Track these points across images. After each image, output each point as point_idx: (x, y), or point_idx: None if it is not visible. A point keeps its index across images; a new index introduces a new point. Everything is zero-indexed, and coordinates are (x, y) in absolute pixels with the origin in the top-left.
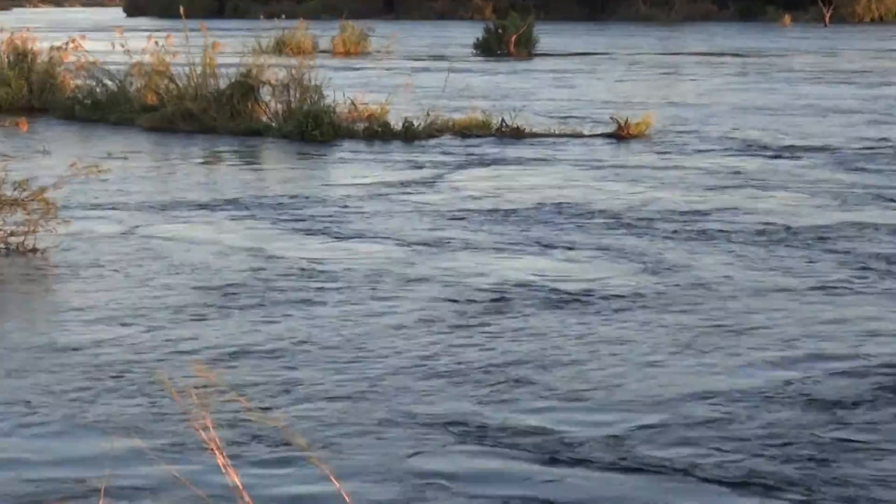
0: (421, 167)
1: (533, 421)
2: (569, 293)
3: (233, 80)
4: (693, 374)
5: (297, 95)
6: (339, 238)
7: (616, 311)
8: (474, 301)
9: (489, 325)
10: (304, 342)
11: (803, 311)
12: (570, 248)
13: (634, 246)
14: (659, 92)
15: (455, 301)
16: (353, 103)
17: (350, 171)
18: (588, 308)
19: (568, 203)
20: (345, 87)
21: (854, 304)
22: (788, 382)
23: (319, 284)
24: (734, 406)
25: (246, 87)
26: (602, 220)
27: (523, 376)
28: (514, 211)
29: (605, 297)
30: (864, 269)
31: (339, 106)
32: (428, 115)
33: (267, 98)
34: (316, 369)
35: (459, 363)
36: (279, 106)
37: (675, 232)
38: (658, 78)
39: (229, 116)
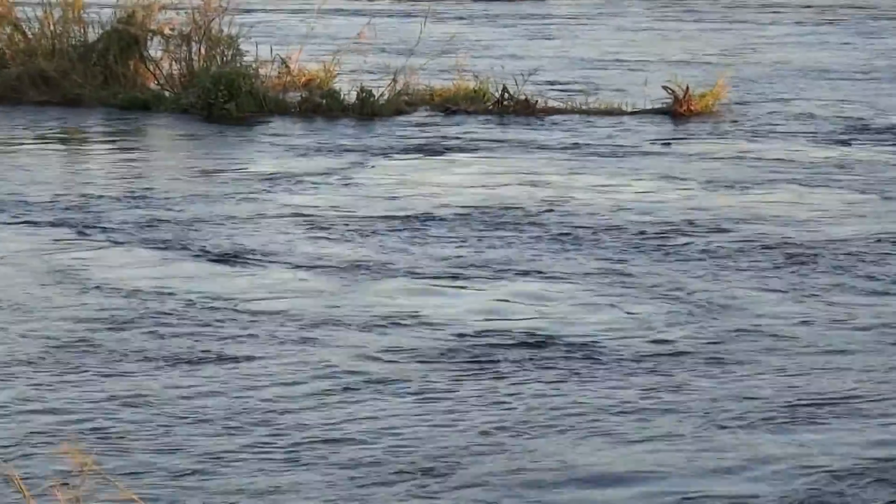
0: (382, 158)
1: None
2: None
3: (107, 28)
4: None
5: (203, 52)
6: (246, 265)
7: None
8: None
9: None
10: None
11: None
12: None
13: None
14: (709, 45)
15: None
16: (284, 63)
17: (272, 162)
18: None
19: (595, 213)
20: (272, 40)
21: None
22: None
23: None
24: None
25: (126, 40)
26: (644, 239)
27: None
28: (507, 224)
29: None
30: None
31: (263, 67)
32: (394, 80)
33: (158, 55)
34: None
35: None
36: (175, 67)
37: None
38: (706, 25)
39: (102, 82)
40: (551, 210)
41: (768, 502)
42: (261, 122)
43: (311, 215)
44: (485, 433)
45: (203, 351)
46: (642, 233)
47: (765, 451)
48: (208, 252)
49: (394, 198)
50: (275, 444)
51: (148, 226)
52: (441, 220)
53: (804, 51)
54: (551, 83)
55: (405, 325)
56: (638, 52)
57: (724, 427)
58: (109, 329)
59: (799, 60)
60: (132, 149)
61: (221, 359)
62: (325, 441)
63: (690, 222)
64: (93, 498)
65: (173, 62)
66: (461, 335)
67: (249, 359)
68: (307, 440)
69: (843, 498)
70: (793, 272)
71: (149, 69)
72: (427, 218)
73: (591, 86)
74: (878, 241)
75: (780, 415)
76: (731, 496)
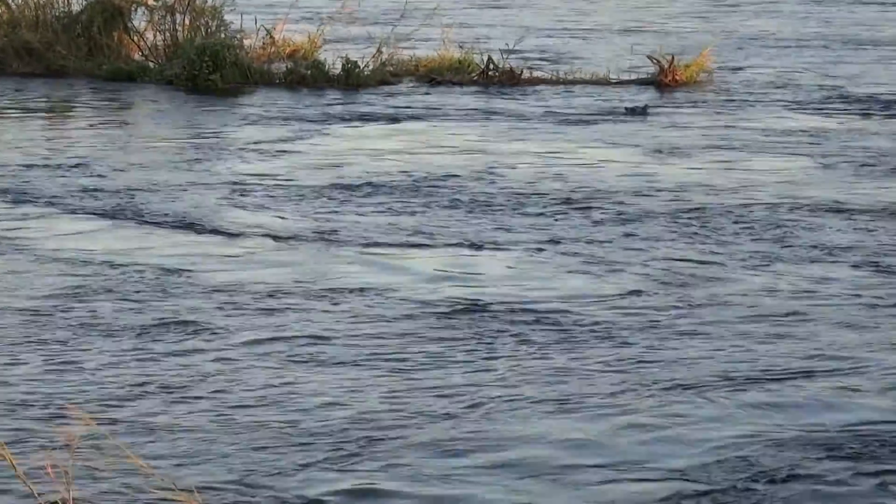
0: (366, 128)
1: None
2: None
3: None
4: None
5: (187, 22)
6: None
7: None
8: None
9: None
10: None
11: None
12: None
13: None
14: (662, 15)
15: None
16: (269, 34)
17: (257, 133)
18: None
19: (576, 186)
20: (256, 11)
21: None
22: None
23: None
24: None
25: (110, 11)
26: (616, 212)
27: None
28: (491, 198)
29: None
30: None
31: (248, 38)
32: (379, 51)
33: (142, 26)
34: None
35: None
36: (160, 38)
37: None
38: None
39: (86, 53)
40: (492, 177)
41: (718, 471)
42: (243, 94)
43: (255, 183)
44: (437, 399)
45: (163, 320)
46: (568, 200)
47: (719, 418)
48: (153, 220)
49: (338, 165)
50: (216, 409)
51: (85, 194)
52: (381, 187)
53: (765, 20)
54: (512, 51)
55: (351, 295)
56: (592, 22)
57: (679, 394)
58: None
59: (758, 29)
60: (96, 119)
61: (179, 325)
62: (263, 405)
63: (620, 190)
64: (84, 468)
65: (157, 33)
66: (410, 304)
67: (208, 328)
68: (251, 405)
69: (793, 469)
70: (707, 236)
71: (133, 40)
72: (366, 185)
73: (551, 55)
74: (813, 208)
75: (732, 384)
76: (679, 467)
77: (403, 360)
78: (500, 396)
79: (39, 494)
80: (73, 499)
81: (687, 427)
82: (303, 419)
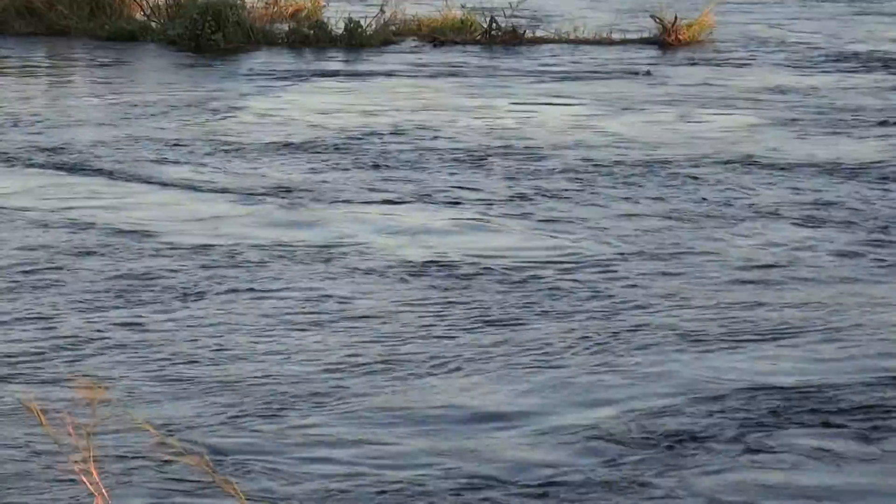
0: (367, 86)
1: None
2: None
3: None
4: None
5: None
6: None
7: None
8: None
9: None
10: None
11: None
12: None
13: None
14: None
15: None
16: None
17: (259, 95)
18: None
19: (562, 146)
20: None
21: None
22: None
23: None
24: None
25: None
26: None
27: None
28: (481, 158)
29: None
30: None
31: None
32: (382, 10)
33: None
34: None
35: None
36: None
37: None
38: None
39: (89, 13)
40: (436, 133)
41: (636, 430)
42: (245, 55)
43: (208, 140)
44: (383, 363)
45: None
46: (506, 153)
47: (649, 377)
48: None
49: (284, 124)
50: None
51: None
52: (324, 144)
53: None
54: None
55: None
56: None
57: (616, 351)
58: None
59: None
60: (74, 78)
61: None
62: (223, 364)
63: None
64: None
65: None
66: (362, 259)
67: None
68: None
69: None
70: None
71: (135, 0)
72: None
73: (555, 15)
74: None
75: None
76: (597, 423)
77: (356, 316)
78: (442, 354)
79: (62, 445)
80: (94, 457)
81: (614, 385)
82: (243, 371)
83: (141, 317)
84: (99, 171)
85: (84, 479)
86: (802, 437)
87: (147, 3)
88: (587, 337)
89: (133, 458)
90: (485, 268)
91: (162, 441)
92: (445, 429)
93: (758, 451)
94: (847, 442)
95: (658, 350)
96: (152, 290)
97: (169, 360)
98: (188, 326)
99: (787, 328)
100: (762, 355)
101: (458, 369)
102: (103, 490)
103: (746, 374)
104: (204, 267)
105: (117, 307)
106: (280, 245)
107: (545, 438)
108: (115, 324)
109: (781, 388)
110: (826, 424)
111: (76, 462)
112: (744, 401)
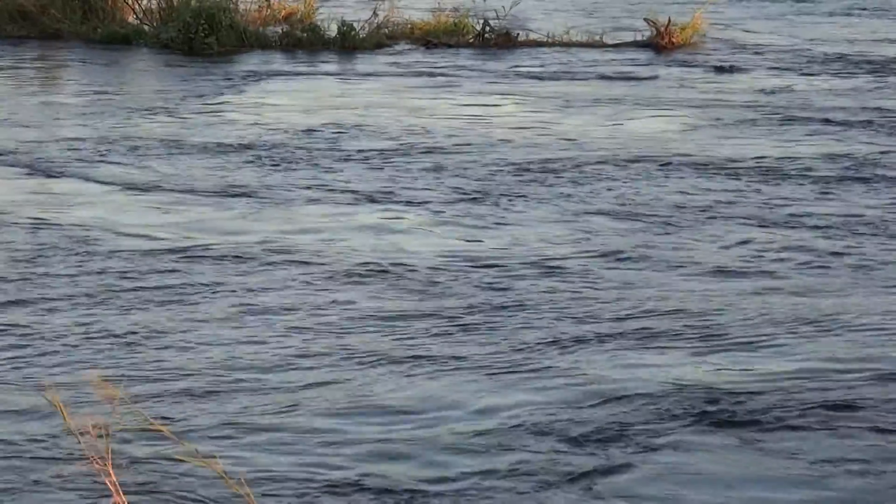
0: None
1: None
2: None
3: None
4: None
5: None
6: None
7: None
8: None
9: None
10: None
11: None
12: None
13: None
14: None
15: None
16: None
17: (252, 97)
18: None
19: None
20: None
21: None
22: None
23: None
24: None
25: None
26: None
27: None
28: (406, 154)
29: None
30: None
31: (243, 1)
32: (375, 14)
33: None
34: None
35: None
36: (155, 0)
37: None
38: None
39: (81, 16)
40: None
41: (558, 425)
42: (239, 58)
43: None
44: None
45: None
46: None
47: (576, 371)
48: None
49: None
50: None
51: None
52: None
53: None
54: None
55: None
56: None
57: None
58: None
59: None
60: (111, 91)
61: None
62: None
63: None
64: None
65: None
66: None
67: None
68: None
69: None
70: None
71: (127, 3)
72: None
73: (548, 18)
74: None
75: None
76: (517, 424)
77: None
78: (388, 351)
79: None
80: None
81: (517, 385)
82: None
83: (94, 316)
84: (37, 170)
85: (107, 481)
86: (692, 435)
87: (139, 6)
88: (512, 338)
89: (145, 458)
90: (410, 269)
91: (177, 442)
92: (354, 423)
93: (653, 450)
94: (735, 440)
95: (576, 350)
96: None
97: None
98: (103, 330)
99: (714, 329)
100: (686, 356)
101: (371, 366)
102: (120, 490)
103: (662, 375)
104: (130, 268)
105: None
106: (213, 245)
107: (442, 437)
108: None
109: (695, 388)
110: (720, 424)
111: (93, 460)
112: (649, 401)
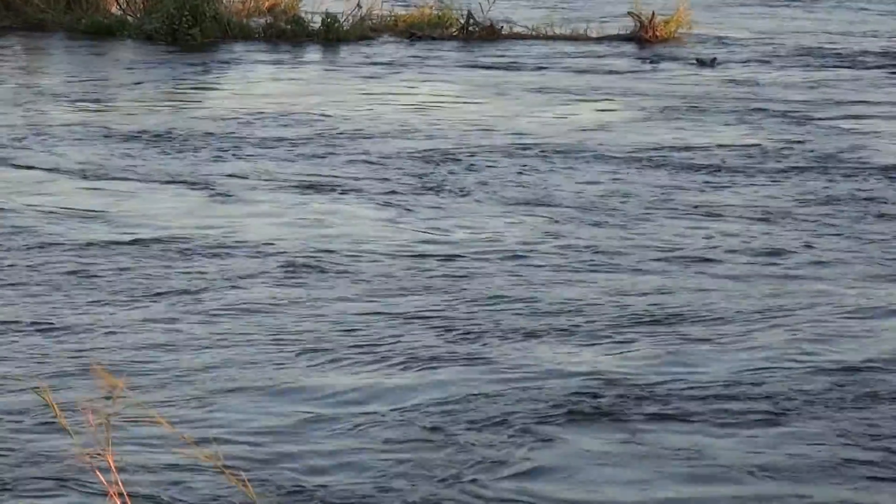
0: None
1: None
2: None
3: None
4: None
5: None
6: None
7: None
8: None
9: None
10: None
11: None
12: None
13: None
14: None
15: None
16: None
17: (236, 89)
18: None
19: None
20: None
21: None
22: None
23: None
24: None
25: None
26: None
27: None
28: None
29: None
30: None
31: None
32: (359, 6)
33: None
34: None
35: None
36: None
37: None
38: None
39: (65, 7)
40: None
41: (466, 417)
42: (221, 49)
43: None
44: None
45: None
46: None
47: (484, 369)
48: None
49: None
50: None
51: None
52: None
53: None
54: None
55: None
56: None
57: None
58: None
59: None
60: (94, 84)
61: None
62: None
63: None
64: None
65: None
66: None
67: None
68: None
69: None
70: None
71: None
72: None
73: (533, 10)
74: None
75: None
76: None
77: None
78: (324, 343)
79: (76, 434)
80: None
81: (424, 377)
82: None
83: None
84: None
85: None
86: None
87: None
88: (435, 326)
89: (143, 450)
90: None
91: (180, 436)
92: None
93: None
94: (626, 434)
95: (492, 340)
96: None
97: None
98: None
99: (645, 320)
100: (596, 349)
101: (303, 353)
102: (120, 482)
103: (572, 366)
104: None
105: None
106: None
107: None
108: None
109: (595, 378)
110: (614, 416)
111: (91, 453)
112: (546, 393)
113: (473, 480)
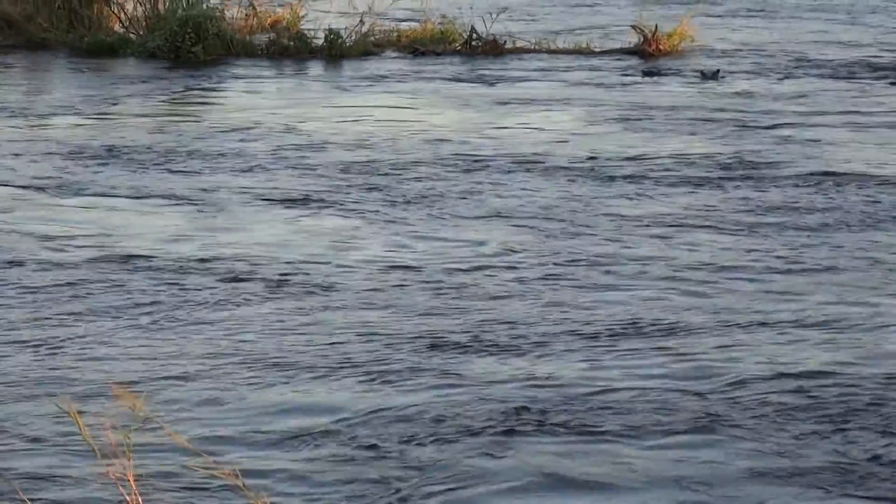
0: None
1: None
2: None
3: None
4: None
5: None
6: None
7: None
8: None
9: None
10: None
11: None
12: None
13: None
14: None
15: None
16: (251, 5)
17: (237, 104)
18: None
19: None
20: None
21: None
22: None
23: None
24: None
25: None
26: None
27: None
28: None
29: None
30: None
31: (229, 9)
32: (362, 22)
33: None
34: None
35: None
36: (141, 9)
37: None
38: None
39: (68, 26)
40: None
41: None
42: (225, 65)
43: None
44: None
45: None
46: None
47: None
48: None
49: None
50: None
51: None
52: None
53: None
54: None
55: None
56: None
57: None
58: None
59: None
60: (97, 100)
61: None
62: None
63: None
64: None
65: (138, 4)
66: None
67: None
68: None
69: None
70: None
71: (113, 11)
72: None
73: (536, 25)
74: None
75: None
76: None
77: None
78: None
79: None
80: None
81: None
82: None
83: None
84: None
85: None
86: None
87: (125, 14)
88: (387, 339)
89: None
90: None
91: (195, 452)
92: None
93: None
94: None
95: (434, 354)
96: None
97: None
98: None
99: (605, 331)
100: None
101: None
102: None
103: (510, 380)
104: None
105: None
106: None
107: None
108: None
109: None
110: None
111: (112, 468)
112: (494, 406)
113: (411, 496)
